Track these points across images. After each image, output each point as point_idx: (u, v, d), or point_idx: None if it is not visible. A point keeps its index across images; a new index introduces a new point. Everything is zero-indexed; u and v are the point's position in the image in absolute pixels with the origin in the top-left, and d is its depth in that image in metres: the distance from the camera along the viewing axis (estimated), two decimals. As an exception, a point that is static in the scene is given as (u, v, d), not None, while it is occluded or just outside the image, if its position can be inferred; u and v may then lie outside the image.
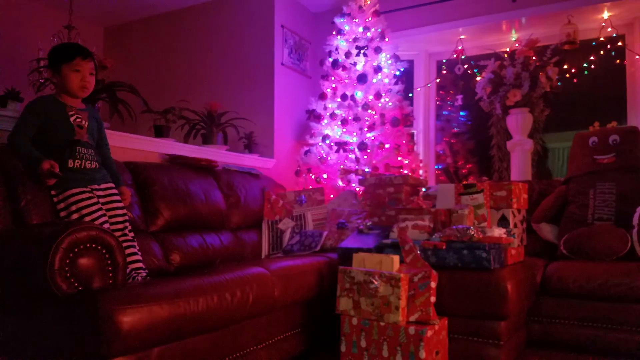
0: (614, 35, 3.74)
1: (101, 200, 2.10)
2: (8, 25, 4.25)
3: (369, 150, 3.77)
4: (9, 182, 1.97)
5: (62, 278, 1.52)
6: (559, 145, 4.89)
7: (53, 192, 2.03)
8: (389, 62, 3.93)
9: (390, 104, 3.85)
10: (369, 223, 3.00)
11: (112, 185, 2.19)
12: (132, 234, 2.17)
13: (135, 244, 2.15)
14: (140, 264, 2.10)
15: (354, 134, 3.88)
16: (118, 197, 2.18)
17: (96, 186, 2.11)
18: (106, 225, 2.01)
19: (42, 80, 3.02)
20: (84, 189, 2.05)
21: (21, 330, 1.63)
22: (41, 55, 3.18)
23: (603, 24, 3.74)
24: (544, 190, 3.21)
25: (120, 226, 2.12)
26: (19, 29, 4.32)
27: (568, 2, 3.70)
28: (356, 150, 3.82)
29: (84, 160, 2.08)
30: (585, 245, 2.65)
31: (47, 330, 1.56)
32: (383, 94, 3.82)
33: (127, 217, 2.17)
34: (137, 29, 4.94)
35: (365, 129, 3.83)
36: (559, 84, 3.84)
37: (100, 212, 2.04)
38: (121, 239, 2.05)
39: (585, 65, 3.86)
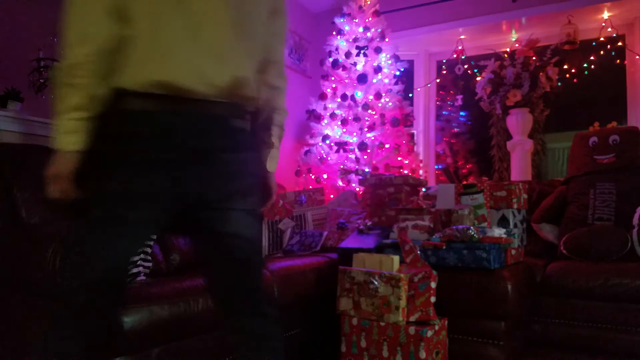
0: (614, 35, 3.74)
1: None
2: (8, 25, 4.24)
3: (369, 150, 3.77)
4: (6, 181, 1.98)
5: (62, 277, 1.52)
6: (559, 145, 4.90)
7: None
8: (389, 62, 3.93)
9: (390, 104, 3.85)
10: (369, 223, 2.99)
11: None
12: None
13: None
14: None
15: (354, 134, 3.88)
16: None
17: None
18: None
19: (42, 81, 3.02)
20: None
21: (20, 331, 1.63)
22: (41, 55, 3.17)
23: (603, 24, 3.74)
24: (544, 190, 3.21)
25: None
26: (19, 29, 4.32)
27: (568, 2, 3.70)
28: (356, 150, 3.82)
29: None
30: (585, 245, 2.65)
31: (46, 330, 1.55)
32: (383, 94, 3.82)
33: None
34: (137, 29, 4.93)
35: (365, 129, 3.83)
36: (559, 84, 3.84)
37: None
38: None
39: (585, 65, 3.86)
